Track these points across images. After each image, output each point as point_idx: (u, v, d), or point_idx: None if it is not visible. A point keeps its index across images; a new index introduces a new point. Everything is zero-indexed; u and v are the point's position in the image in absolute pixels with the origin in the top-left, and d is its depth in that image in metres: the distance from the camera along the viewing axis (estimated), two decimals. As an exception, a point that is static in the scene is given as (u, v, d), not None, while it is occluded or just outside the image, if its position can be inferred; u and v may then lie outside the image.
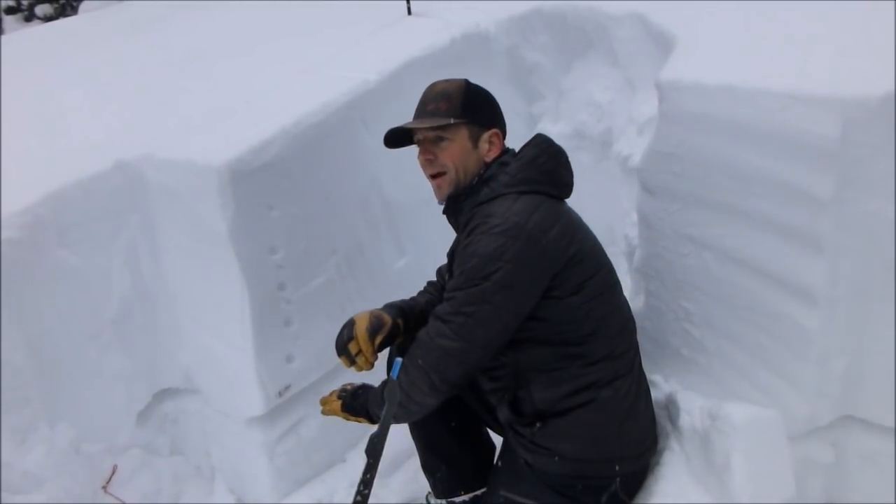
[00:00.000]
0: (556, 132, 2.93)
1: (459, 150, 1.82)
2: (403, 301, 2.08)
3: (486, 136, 1.84)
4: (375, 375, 1.95)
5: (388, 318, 1.94)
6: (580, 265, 1.74)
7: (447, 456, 2.10)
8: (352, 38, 3.31)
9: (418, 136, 1.87)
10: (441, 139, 1.82)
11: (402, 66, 2.77)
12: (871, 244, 1.62)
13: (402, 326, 1.98)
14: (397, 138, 1.91)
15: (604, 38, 2.88)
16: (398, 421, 1.79)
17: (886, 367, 1.69)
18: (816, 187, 1.60)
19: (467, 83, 1.88)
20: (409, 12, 3.40)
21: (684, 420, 1.90)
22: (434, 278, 2.21)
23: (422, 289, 2.18)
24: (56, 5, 10.30)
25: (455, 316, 1.69)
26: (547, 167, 1.82)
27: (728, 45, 2.00)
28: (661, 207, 1.99)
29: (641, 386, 1.88)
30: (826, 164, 1.58)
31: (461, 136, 1.82)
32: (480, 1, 3.36)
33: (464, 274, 1.70)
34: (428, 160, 1.85)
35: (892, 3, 1.81)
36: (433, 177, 1.86)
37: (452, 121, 1.80)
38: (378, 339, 1.90)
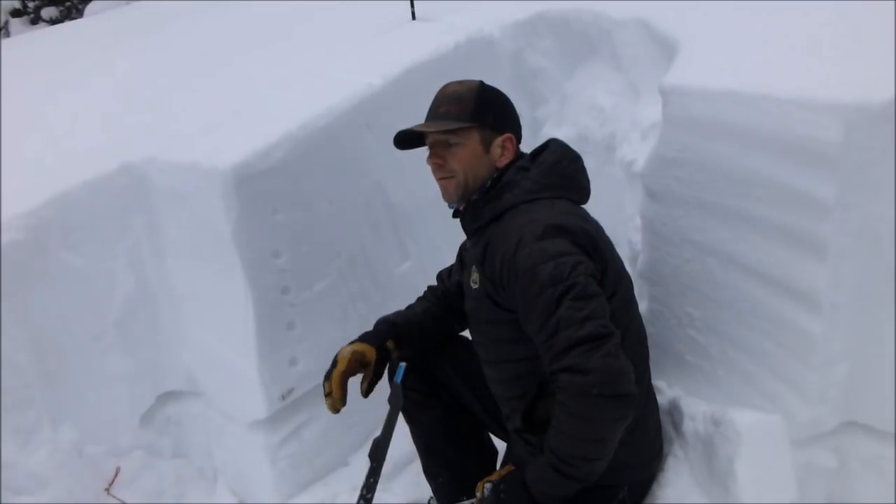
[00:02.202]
0: (560, 136, 2.90)
1: (469, 155, 1.78)
2: (399, 315, 2.07)
3: (498, 140, 1.80)
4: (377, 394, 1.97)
5: (371, 357, 1.96)
6: (614, 270, 1.74)
7: (449, 461, 2.09)
8: (356, 41, 3.32)
9: (429, 139, 1.83)
10: (451, 143, 1.78)
11: (407, 71, 2.78)
12: (873, 248, 1.62)
13: (392, 349, 1.99)
14: (408, 139, 1.87)
15: (607, 42, 2.88)
16: (593, 476, 1.60)
17: (889, 373, 1.69)
18: (819, 192, 1.61)
19: (482, 85, 1.83)
20: (413, 17, 3.41)
21: (688, 425, 1.90)
22: (435, 282, 2.20)
23: (421, 294, 2.17)
24: (62, 8, 10.33)
25: (585, 341, 1.52)
26: (568, 172, 1.81)
27: (731, 50, 2.00)
28: (664, 212, 1.99)
29: (650, 396, 1.88)
30: (829, 169, 1.58)
31: (472, 141, 1.78)
32: (484, 4, 3.37)
33: (545, 288, 1.57)
34: (437, 164, 1.81)
35: (894, 7, 1.81)
36: (440, 179, 1.83)
37: (463, 125, 1.76)
38: (353, 376, 1.95)
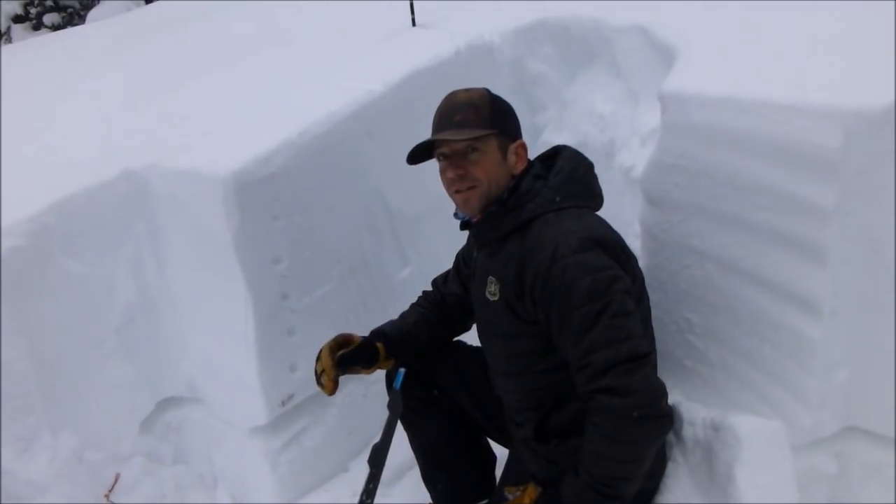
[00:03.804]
0: (560, 143, 2.93)
1: (491, 163, 1.71)
2: (391, 325, 2.06)
3: (513, 147, 1.76)
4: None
5: (356, 338, 1.96)
6: (639, 286, 1.74)
7: (447, 467, 2.08)
8: (356, 48, 3.33)
9: (444, 150, 1.73)
10: (473, 151, 1.70)
11: (407, 78, 2.78)
12: (873, 254, 1.62)
13: (382, 350, 1.97)
14: (416, 154, 1.80)
15: (607, 49, 2.89)
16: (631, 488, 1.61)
17: (889, 378, 1.69)
18: (819, 198, 1.61)
19: (489, 92, 1.79)
20: (414, 23, 3.42)
21: (688, 431, 1.89)
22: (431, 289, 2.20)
23: (415, 301, 2.17)
24: (63, 14, 10.37)
25: (625, 361, 1.52)
26: (585, 180, 1.80)
27: (730, 56, 2.01)
28: (663, 218, 1.99)
29: None
30: (828, 175, 1.59)
31: (492, 148, 1.72)
32: (484, 9, 3.38)
33: (583, 304, 1.56)
34: (459, 175, 1.71)
35: (894, 9, 1.82)
36: (460, 191, 1.73)
37: (487, 132, 1.70)
38: (340, 353, 1.92)
